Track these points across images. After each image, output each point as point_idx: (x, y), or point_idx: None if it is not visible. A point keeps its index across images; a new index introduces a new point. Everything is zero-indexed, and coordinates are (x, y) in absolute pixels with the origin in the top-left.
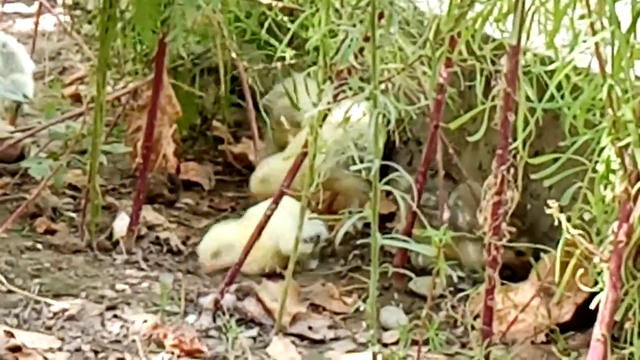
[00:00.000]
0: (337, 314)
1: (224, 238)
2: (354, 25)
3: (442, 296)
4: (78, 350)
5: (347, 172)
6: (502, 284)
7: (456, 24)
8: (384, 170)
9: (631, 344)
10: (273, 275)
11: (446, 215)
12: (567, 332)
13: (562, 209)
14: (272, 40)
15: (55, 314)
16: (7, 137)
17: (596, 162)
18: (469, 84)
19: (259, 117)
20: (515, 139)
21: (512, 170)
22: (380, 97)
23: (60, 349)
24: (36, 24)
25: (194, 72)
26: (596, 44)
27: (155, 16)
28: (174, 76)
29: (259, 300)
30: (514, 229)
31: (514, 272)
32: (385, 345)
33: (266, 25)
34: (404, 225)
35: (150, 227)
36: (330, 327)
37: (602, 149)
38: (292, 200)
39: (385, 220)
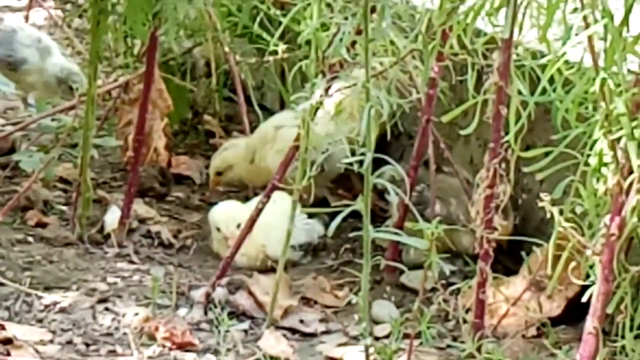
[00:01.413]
0: (328, 307)
1: (243, 213)
2: (346, 19)
3: (433, 290)
4: (69, 342)
5: None
6: (494, 277)
7: (448, 18)
8: (376, 164)
9: (623, 337)
10: (264, 269)
11: (438, 208)
12: (558, 325)
13: (554, 203)
14: (264, 34)
15: (46, 306)
16: None
17: (588, 155)
18: (461, 78)
19: (250, 110)
20: (507, 133)
21: (503, 164)
22: (373, 91)
23: (51, 342)
24: (27, 17)
25: (185, 65)
26: (589, 37)
27: (146, 10)
28: (165, 70)
29: (251, 293)
30: (505, 222)
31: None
32: (377, 338)
33: (258, 19)
34: (396, 219)
35: (142, 221)
36: (321, 321)
37: (594, 142)
38: (284, 196)
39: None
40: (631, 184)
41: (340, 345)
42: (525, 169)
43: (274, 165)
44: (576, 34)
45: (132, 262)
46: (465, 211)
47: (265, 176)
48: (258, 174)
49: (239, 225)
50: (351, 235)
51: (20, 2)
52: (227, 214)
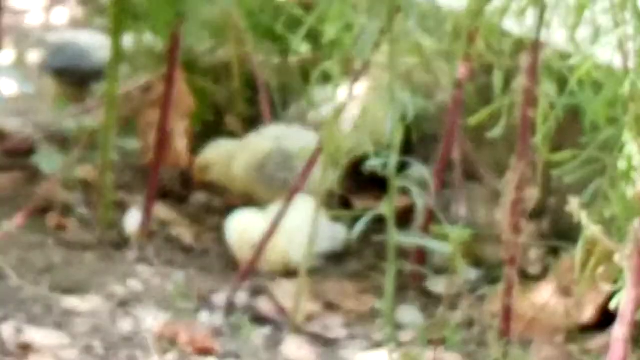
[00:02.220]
0: (352, 312)
1: (258, 230)
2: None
3: (459, 295)
4: (89, 347)
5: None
6: (521, 283)
7: (475, 19)
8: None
9: None
10: (287, 273)
11: (463, 212)
12: (586, 332)
13: (582, 206)
14: (288, 34)
15: (65, 310)
16: (18, 131)
17: (617, 158)
18: (488, 79)
19: (273, 112)
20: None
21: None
22: (398, 92)
23: (70, 346)
24: (47, 17)
25: (207, 66)
26: (619, 38)
27: (168, 9)
28: (187, 70)
29: (273, 298)
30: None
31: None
32: (400, 344)
33: (282, 19)
34: (420, 223)
35: (162, 224)
36: (344, 326)
37: (623, 145)
38: (307, 200)
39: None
40: None
41: (363, 350)
42: (553, 173)
43: (242, 173)
44: (606, 35)
45: (152, 265)
46: (489, 219)
47: (239, 185)
48: (233, 181)
49: (253, 246)
50: (375, 239)
51: (41, 1)
52: (241, 234)
